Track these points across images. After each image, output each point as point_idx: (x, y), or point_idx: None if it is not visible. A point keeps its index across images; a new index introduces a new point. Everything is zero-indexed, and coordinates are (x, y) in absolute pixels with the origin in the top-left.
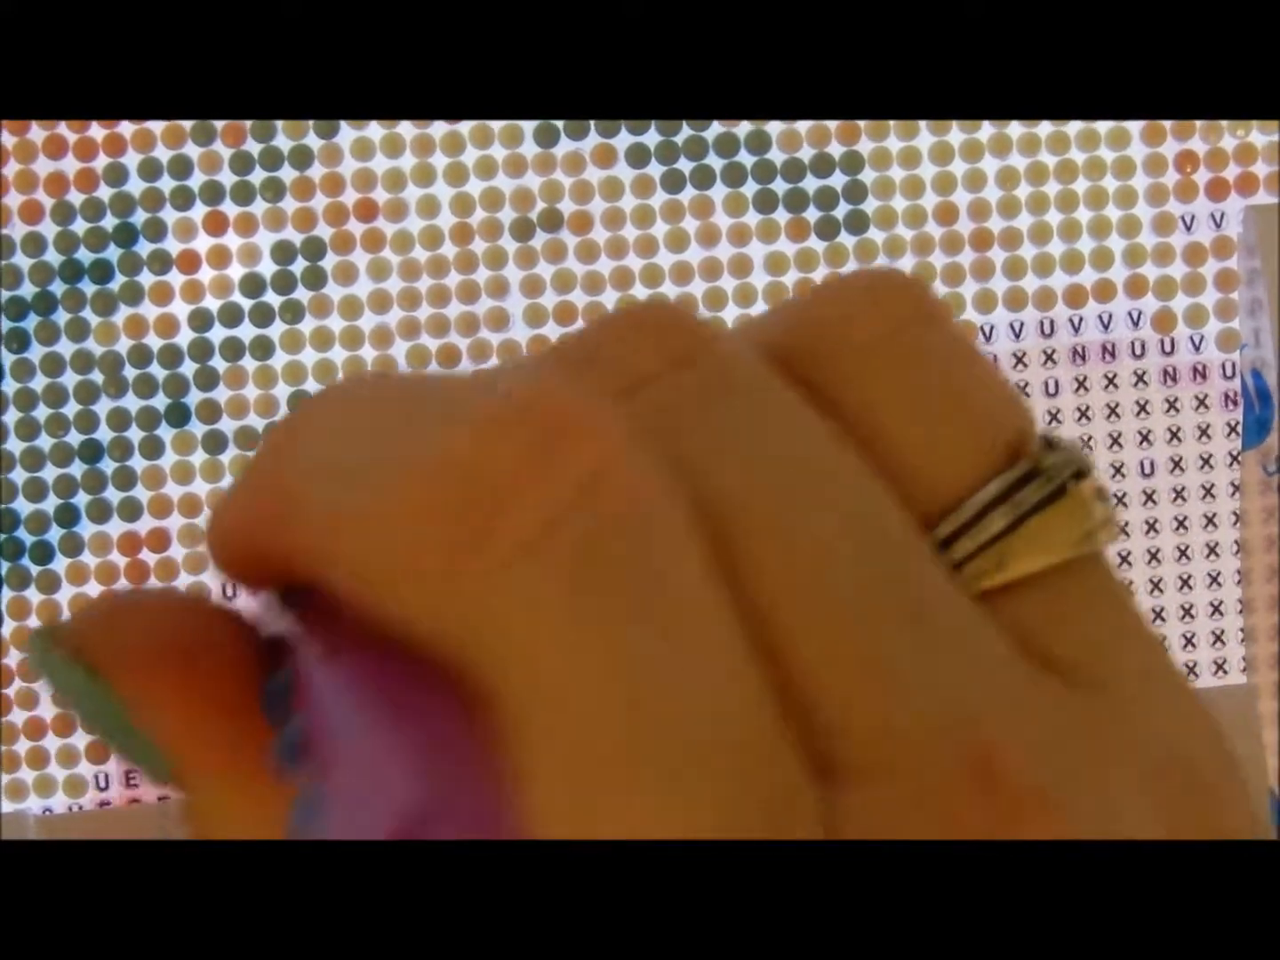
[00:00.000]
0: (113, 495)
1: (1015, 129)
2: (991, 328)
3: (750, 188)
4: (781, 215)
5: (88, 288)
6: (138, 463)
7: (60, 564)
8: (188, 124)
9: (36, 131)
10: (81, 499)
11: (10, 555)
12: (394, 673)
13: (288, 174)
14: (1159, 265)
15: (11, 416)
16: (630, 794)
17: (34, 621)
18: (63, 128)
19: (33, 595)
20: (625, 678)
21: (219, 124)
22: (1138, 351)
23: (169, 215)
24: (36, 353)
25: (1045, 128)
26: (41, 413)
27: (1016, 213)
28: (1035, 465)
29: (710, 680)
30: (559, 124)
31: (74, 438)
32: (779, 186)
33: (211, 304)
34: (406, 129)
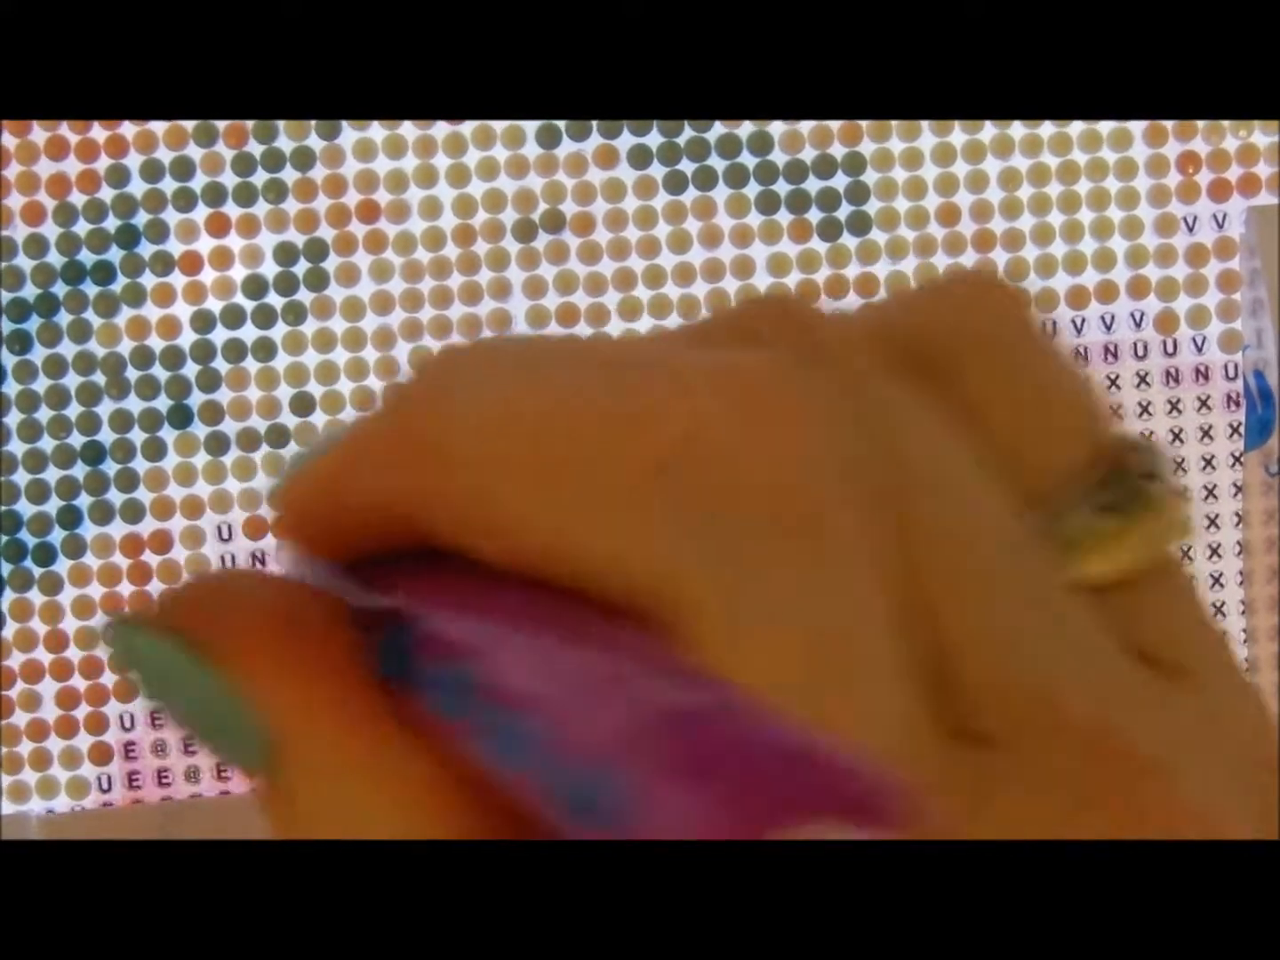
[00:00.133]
0: (115, 497)
1: (1017, 130)
2: None
3: (753, 189)
4: (784, 216)
5: (90, 289)
6: (140, 464)
7: (63, 566)
8: (190, 125)
9: (38, 133)
10: (84, 501)
11: (13, 557)
12: (557, 606)
13: (290, 175)
14: (1161, 266)
15: (14, 418)
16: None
17: (36, 623)
18: (65, 129)
19: (35, 597)
20: (808, 643)
21: (221, 125)
22: (1140, 353)
23: (171, 217)
24: (39, 354)
25: (1048, 129)
26: (44, 415)
27: (1019, 214)
28: (1121, 466)
29: (878, 649)
30: (561, 125)
31: (76, 439)
32: (781, 188)
33: (214, 305)
34: (409, 130)
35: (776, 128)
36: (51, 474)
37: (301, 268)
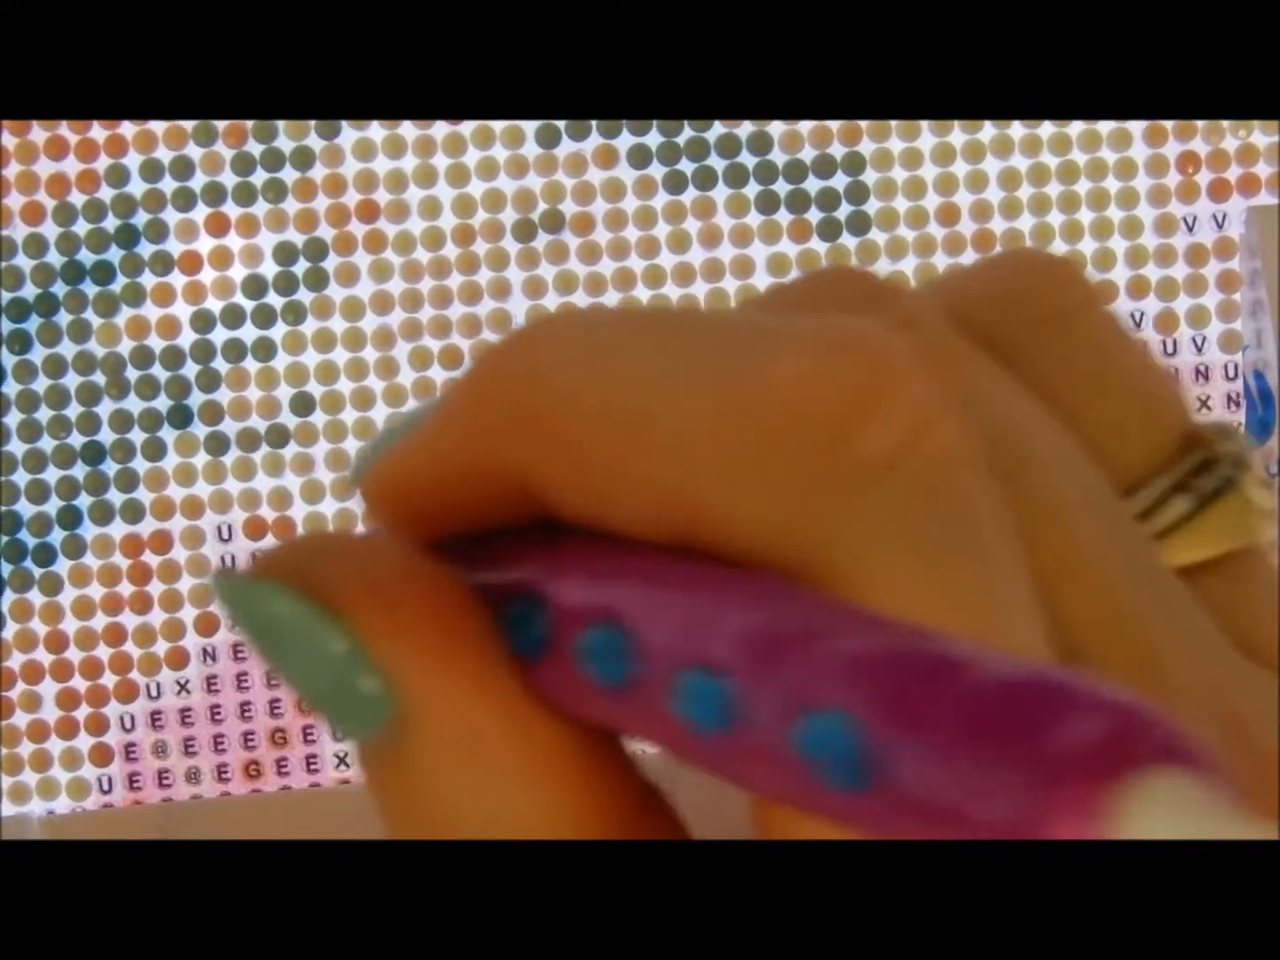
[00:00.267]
0: (115, 497)
1: (1017, 130)
2: None
3: (752, 189)
4: (784, 216)
5: (90, 289)
6: (140, 464)
7: (63, 566)
8: (189, 125)
9: (38, 132)
10: (84, 501)
11: (12, 557)
12: (702, 568)
13: (290, 175)
14: (1161, 266)
15: (14, 418)
16: None
17: (36, 624)
18: (64, 129)
19: (35, 597)
20: (973, 615)
21: (221, 125)
22: None
23: (171, 216)
24: (39, 354)
25: (1047, 129)
26: (44, 415)
27: (1018, 214)
28: (1211, 454)
29: (1030, 624)
30: (561, 125)
31: (76, 439)
32: (781, 188)
33: (214, 305)
34: (408, 130)
35: (776, 128)
36: (51, 474)
37: (301, 267)
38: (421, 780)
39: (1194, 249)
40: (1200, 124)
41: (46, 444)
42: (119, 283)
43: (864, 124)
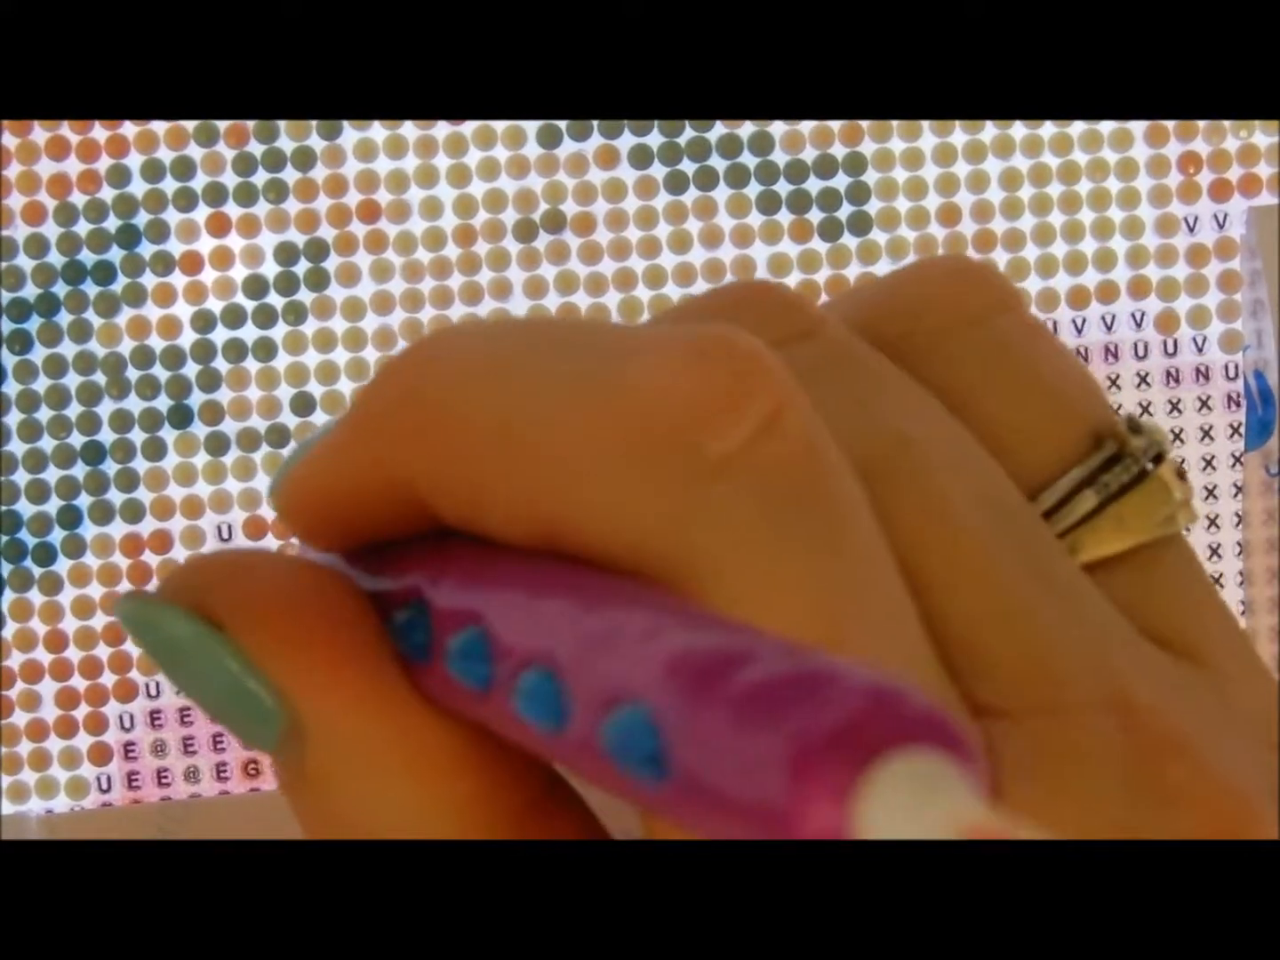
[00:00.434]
0: (115, 497)
1: (1018, 130)
2: None
3: (753, 189)
4: (784, 216)
5: (90, 289)
6: (140, 464)
7: (63, 566)
8: (191, 125)
9: (39, 133)
10: (84, 501)
11: (12, 557)
12: (565, 571)
13: (291, 175)
14: (1162, 266)
15: (14, 418)
16: None
17: (36, 623)
18: (65, 129)
19: (35, 597)
20: (827, 605)
21: (222, 126)
22: (1140, 353)
23: (172, 217)
24: (39, 354)
25: (1048, 129)
26: (44, 414)
27: (1019, 214)
28: (1121, 448)
29: (892, 612)
30: (562, 125)
31: (76, 439)
32: (782, 188)
33: (214, 305)
34: (410, 130)
35: (777, 128)
36: (51, 474)
37: (302, 268)
38: (319, 787)
39: (1195, 249)
40: (1201, 124)
41: (47, 444)
42: (120, 283)
43: (865, 124)
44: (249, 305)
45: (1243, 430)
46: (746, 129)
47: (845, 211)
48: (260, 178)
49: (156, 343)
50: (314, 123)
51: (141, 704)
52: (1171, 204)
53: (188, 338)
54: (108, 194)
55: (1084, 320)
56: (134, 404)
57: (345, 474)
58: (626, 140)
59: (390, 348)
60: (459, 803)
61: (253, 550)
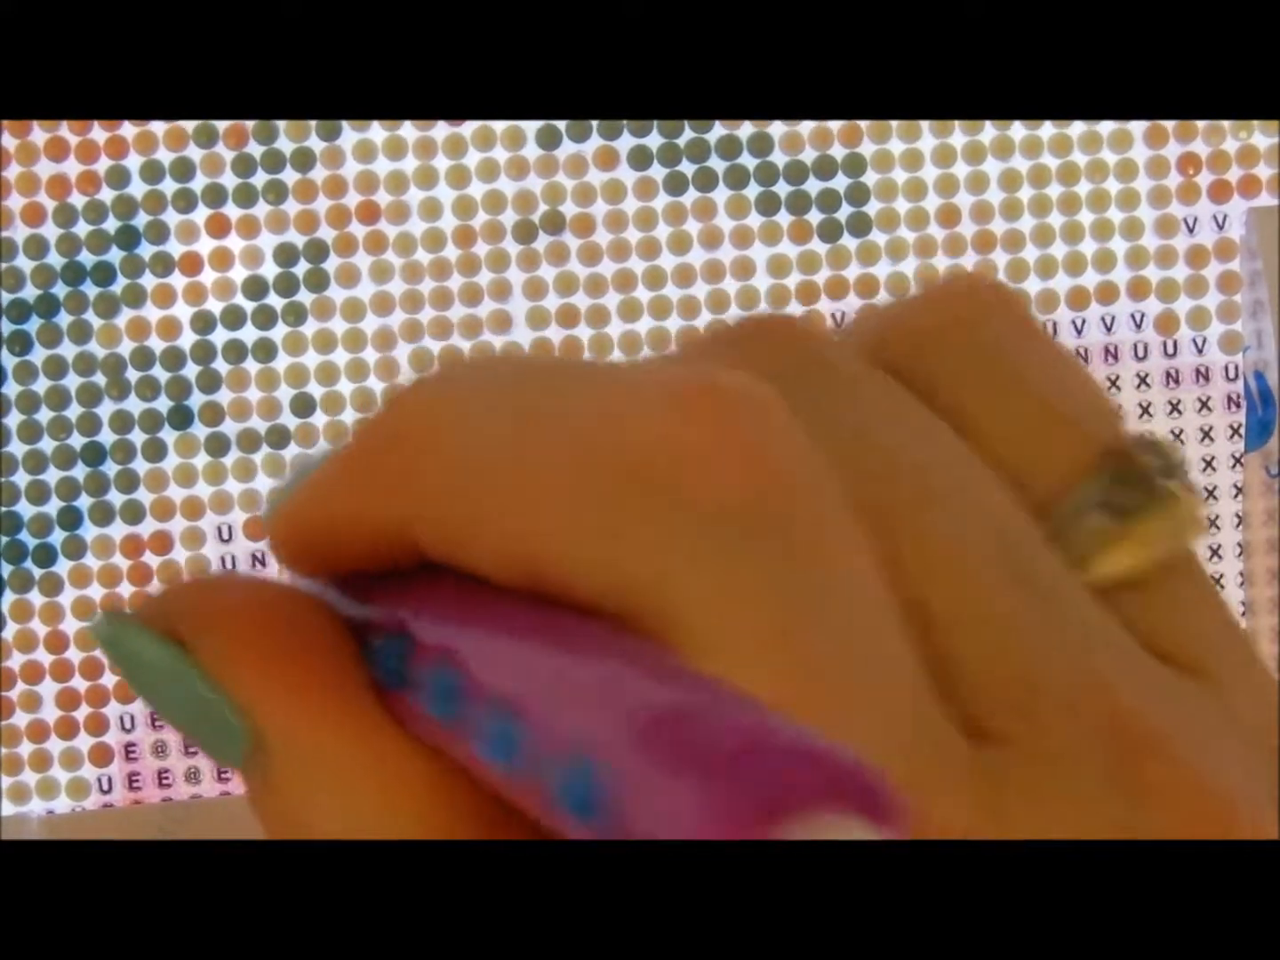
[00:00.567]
0: (115, 498)
1: (1018, 131)
2: None
3: (753, 190)
4: (784, 217)
5: (90, 290)
6: (140, 465)
7: (63, 567)
8: (190, 126)
9: (38, 134)
10: (84, 502)
11: (13, 558)
12: (542, 613)
13: (290, 176)
14: (1162, 267)
15: (14, 419)
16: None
17: (36, 624)
18: (65, 130)
19: (35, 598)
20: (805, 658)
21: (221, 126)
22: (1140, 354)
23: (171, 217)
24: (39, 355)
25: (1048, 130)
26: (44, 415)
27: (1019, 215)
28: (1133, 466)
29: (877, 662)
30: (561, 126)
31: (76, 440)
32: (782, 189)
33: (214, 306)
34: (409, 131)
35: (776, 129)
36: (52, 475)
37: (301, 269)
38: (285, 802)
39: (1195, 250)
40: (1201, 125)
41: (47, 445)
42: (119, 284)
43: (864, 125)
44: (249, 306)
45: (1243, 431)
46: (746, 130)
47: (844, 212)
48: (260, 179)
49: (156, 344)
50: (313, 124)
51: (142, 705)
52: (1171, 205)
53: (187, 339)
54: (107, 195)
55: (1083, 321)
56: (134, 405)
57: (335, 509)
58: (626, 141)
59: (390, 348)
60: (425, 815)
61: (226, 574)
